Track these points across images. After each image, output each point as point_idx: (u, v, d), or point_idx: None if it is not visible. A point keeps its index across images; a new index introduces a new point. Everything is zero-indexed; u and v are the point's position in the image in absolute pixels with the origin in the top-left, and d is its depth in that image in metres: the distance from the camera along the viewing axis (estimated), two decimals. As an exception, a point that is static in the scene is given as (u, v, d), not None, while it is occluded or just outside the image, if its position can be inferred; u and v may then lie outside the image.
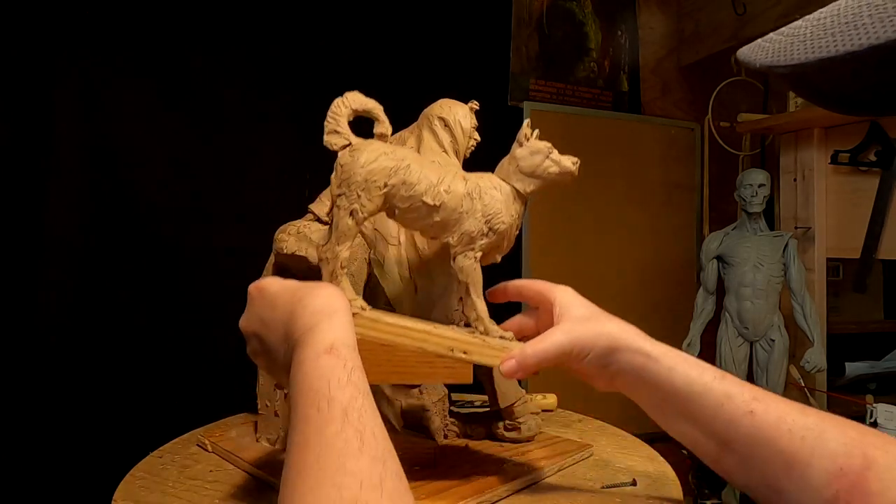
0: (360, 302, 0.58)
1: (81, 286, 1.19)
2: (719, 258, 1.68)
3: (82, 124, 1.20)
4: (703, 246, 1.72)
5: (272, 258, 0.85)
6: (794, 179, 1.68)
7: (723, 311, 1.68)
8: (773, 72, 0.34)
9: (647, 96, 2.03)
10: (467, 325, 0.65)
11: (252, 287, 0.56)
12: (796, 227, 1.65)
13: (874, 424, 1.37)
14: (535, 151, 0.62)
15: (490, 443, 0.80)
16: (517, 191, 0.63)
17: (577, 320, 0.58)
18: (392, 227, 0.80)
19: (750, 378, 1.65)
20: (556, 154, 0.62)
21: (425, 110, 0.85)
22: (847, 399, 1.59)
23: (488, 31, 1.75)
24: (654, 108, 2.04)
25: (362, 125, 0.63)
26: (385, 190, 0.59)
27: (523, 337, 0.64)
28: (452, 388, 0.85)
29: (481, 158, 0.87)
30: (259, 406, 0.80)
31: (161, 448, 0.80)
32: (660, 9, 2.06)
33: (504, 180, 0.63)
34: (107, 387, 1.20)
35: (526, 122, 0.63)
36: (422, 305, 0.77)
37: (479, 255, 0.62)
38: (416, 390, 0.80)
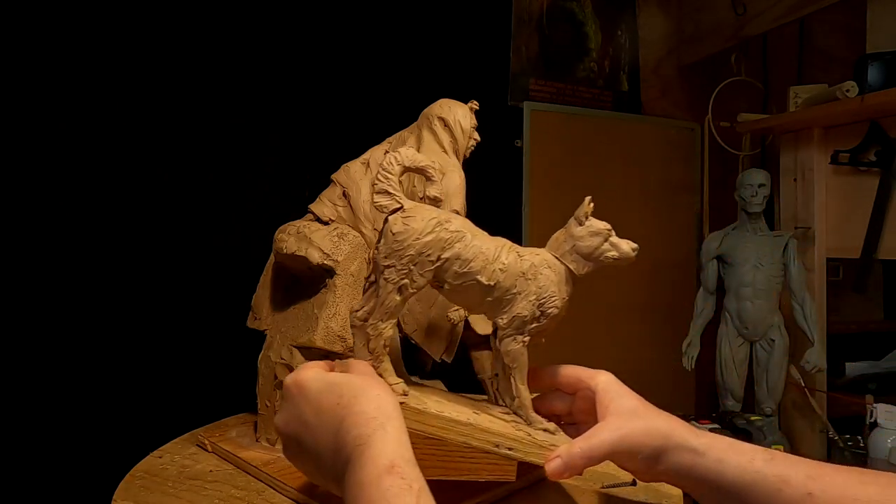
0: (403, 386, 0.54)
1: (81, 285, 1.19)
2: (719, 258, 1.68)
3: (80, 121, 1.20)
4: (702, 246, 1.72)
5: (272, 258, 0.85)
6: (794, 179, 1.67)
7: (723, 311, 1.68)
8: None
9: (647, 96, 2.03)
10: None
11: (290, 382, 0.51)
12: (796, 228, 1.65)
13: (874, 424, 1.37)
14: (594, 233, 0.57)
15: (490, 443, 0.80)
16: (571, 272, 0.58)
17: (626, 416, 0.54)
18: (392, 227, 0.79)
19: (750, 378, 1.65)
20: (615, 237, 0.58)
21: (425, 110, 0.85)
22: (847, 399, 1.59)
23: (488, 31, 1.74)
24: (654, 108, 2.04)
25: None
26: (438, 264, 0.53)
27: (559, 424, 0.61)
28: (452, 388, 0.85)
29: (481, 158, 0.87)
30: (259, 406, 0.80)
31: (161, 448, 0.80)
32: (660, 9, 2.05)
33: (558, 258, 0.58)
34: (106, 387, 1.20)
35: (588, 198, 0.58)
36: (420, 305, 0.77)
37: (527, 339, 0.58)
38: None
